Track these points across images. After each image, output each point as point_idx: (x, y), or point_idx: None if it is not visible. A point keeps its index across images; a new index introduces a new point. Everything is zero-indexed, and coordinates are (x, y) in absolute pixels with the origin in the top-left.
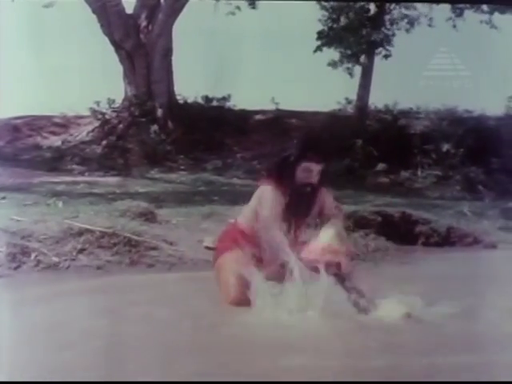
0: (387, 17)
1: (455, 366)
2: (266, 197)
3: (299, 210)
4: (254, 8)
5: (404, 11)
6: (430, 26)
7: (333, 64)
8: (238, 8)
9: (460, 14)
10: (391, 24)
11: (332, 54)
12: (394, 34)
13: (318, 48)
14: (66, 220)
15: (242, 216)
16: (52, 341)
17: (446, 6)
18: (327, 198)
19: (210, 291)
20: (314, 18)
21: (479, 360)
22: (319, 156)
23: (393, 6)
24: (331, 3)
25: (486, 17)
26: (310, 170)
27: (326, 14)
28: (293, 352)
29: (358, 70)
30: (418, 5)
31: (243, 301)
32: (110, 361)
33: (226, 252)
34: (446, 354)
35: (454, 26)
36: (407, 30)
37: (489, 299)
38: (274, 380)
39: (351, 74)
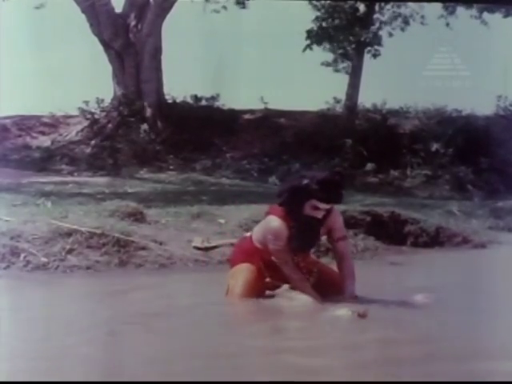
0: (377, 16)
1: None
2: (276, 229)
3: (305, 242)
4: (244, 8)
5: (396, 10)
6: (422, 23)
7: (327, 64)
8: (225, 8)
9: (452, 12)
10: (383, 24)
11: (321, 54)
12: (391, 34)
13: (308, 47)
14: (54, 220)
15: (255, 234)
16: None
17: (438, 4)
18: (336, 220)
19: None
20: (303, 18)
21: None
22: (331, 199)
23: (384, 5)
24: (321, 2)
25: (477, 15)
26: (319, 208)
27: (317, 13)
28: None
29: (348, 69)
30: (411, 3)
31: None
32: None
33: (238, 263)
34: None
35: (448, 25)
36: (402, 29)
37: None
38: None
39: (348, 73)
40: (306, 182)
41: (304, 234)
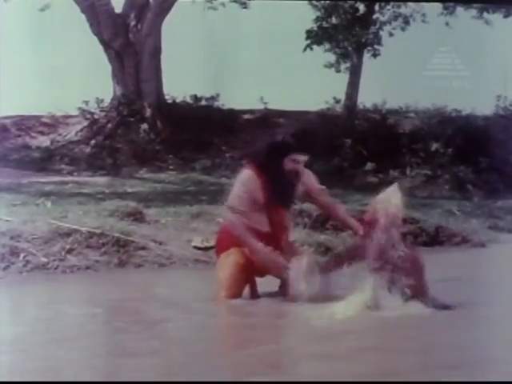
0: (377, 16)
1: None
2: (243, 180)
3: (284, 196)
4: (245, 8)
5: (397, 10)
6: (423, 21)
7: (327, 64)
8: (223, 5)
9: (452, 12)
10: (383, 24)
11: (321, 54)
12: (390, 34)
13: (308, 47)
14: (54, 220)
15: (229, 201)
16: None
17: (438, 4)
18: (311, 178)
19: None
20: (303, 18)
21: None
22: (308, 148)
23: (384, 5)
24: (322, 2)
25: (477, 15)
26: (298, 161)
27: (317, 13)
28: None
29: (348, 68)
30: (410, 3)
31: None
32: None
33: (224, 251)
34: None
35: (447, 24)
36: (402, 29)
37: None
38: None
39: (347, 73)
40: (280, 137)
41: (282, 189)
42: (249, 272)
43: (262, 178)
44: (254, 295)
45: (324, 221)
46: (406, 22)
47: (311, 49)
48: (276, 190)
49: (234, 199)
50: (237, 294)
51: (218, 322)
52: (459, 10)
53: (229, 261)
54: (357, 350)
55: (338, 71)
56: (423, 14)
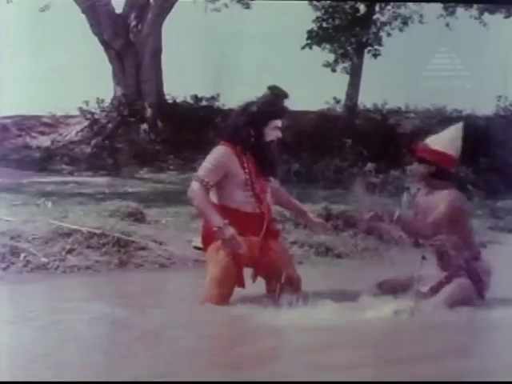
0: (378, 16)
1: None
2: (213, 153)
3: (270, 168)
4: (247, 8)
5: (397, 10)
6: (420, 22)
7: (327, 64)
8: (226, 5)
9: (452, 13)
10: (383, 24)
11: (322, 54)
12: (389, 34)
13: (307, 45)
14: (54, 220)
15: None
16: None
17: (438, 5)
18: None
19: None
20: (304, 18)
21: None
22: (285, 112)
23: (384, 5)
24: (322, 3)
25: (476, 15)
26: (278, 127)
27: (317, 13)
28: None
29: (349, 69)
30: (411, 3)
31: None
32: None
33: (211, 244)
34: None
35: (447, 25)
36: (401, 29)
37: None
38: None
39: (348, 73)
40: (255, 108)
41: (268, 160)
42: (239, 266)
43: (243, 154)
44: (241, 284)
45: (324, 221)
46: (405, 22)
47: (310, 48)
48: (261, 164)
49: (201, 170)
50: (228, 294)
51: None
52: (459, 10)
53: (218, 259)
54: None
55: (334, 71)
56: (421, 15)
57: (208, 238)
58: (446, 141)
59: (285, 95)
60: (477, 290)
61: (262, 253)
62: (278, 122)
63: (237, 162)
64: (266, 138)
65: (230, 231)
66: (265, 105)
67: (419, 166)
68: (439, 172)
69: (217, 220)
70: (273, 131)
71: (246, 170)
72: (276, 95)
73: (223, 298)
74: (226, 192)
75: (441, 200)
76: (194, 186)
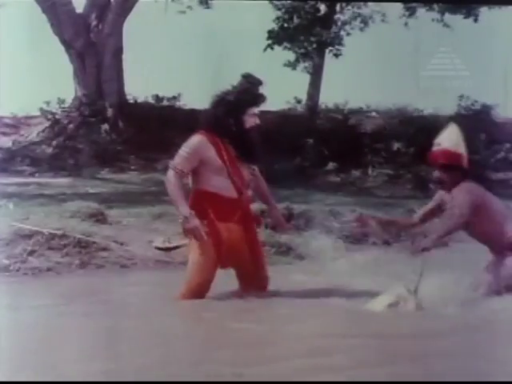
0: (339, 16)
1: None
2: (189, 142)
3: (248, 154)
4: (208, 8)
5: (357, 10)
6: (383, 21)
7: (288, 64)
8: (190, 7)
9: (413, 13)
10: (343, 24)
11: (282, 53)
12: (348, 34)
13: (268, 46)
14: (16, 222)
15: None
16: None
17: (399, 5)
18: None
19: None
20: (265, 18)
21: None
22: (262, 98)
23: (345, 5)
24: (282, 2)
25: (437, 16)
26: (256, 114)
27: (278, 13)
28: None
29: (310, 68)
30: (371, 3)
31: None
32: None
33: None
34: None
35: (406, 24)
36: (361, 29)
37: None
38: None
39: (309, 73)
40: (232, 97)
41: (247, 147)
42: (218, 247)
43: (220, 142)
44: (223, 264)
45: (286, 221)
46: (366, 22)
47: (272, 48)
48: (241, 151)
49: (176, 158)
50: (209, 280)
51: None
52: (420, 11)
53: (198, 244)
54: None
55: (294, 69)
56: (383, 14)
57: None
58: (454, 140)
59: (259, 82)
60: None
61: (239, 240)
62: (256, 109)
63: (213, 150)
64: (246, 126)
65: (195, 222)
66: (241, 93)
67: (444, 172)
68: (462, 172)
69: (184, 209)
70: (251, 118)
71: (224, 158)
72: (251, 83)
73: (203, 285)
74: (204, 178)
75: (459, 194)
76: (169, 173)
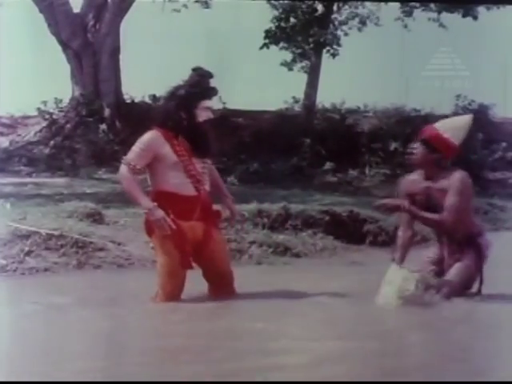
0: (336, 16)
1: None
2: (142, 138)
3: (202, 149)
4: (207, 7)
5: (354, 10)
6: (376, 24)
7: (286, 64)
8: (185, 6)
9: (410, 14)
10: (341, 24)
11: (280, 53)
12: (346, 34)
13: (265, 45)
14: (13, 222)
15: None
16: None
17: (396, 5)
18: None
19: None
20: (263, 18)
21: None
22: (214, 92)
23: (342, 5)
24: (280, 2)
25: (434, 15)
26: (209, 108)
27: (275, 12)
28: None
29: (307, 68)
30: (368, 3)
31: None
32: None
33: (153, 234)
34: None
35: (406, 26)
36: (359, 29)
37: None
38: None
39: (306, 73)
40: (182, 91)
41: (199, 140)
42: (181, 248)
43: (174, 138)
44: (186, 265)
45: (283, 221)
46: (363, 22)
47: (268, 47)
48: (195, 145)
49: (129, 154)
50: (180, 283)
51: None
52: (417, 11)
53: (165, 247)
54: None
55: (291, 70)
56: (377, 17)
57: (151, 227)
58: (456, 131)
59: (209, 75)
60: (479, 265)
61: (203, 238)
62: (208, 103)
63: (167, 146)
64: (198, 120)
65: (160, 213)
66: (192, 87)
67: (424, 149)
68: (441, 160)
69: (145, 202)
70: (204, 112)
71: (179, 153)
72: (201, 75)
73: (176, 292)
74: (160, 176)
75: (452, 183)
76: (122, 169)
